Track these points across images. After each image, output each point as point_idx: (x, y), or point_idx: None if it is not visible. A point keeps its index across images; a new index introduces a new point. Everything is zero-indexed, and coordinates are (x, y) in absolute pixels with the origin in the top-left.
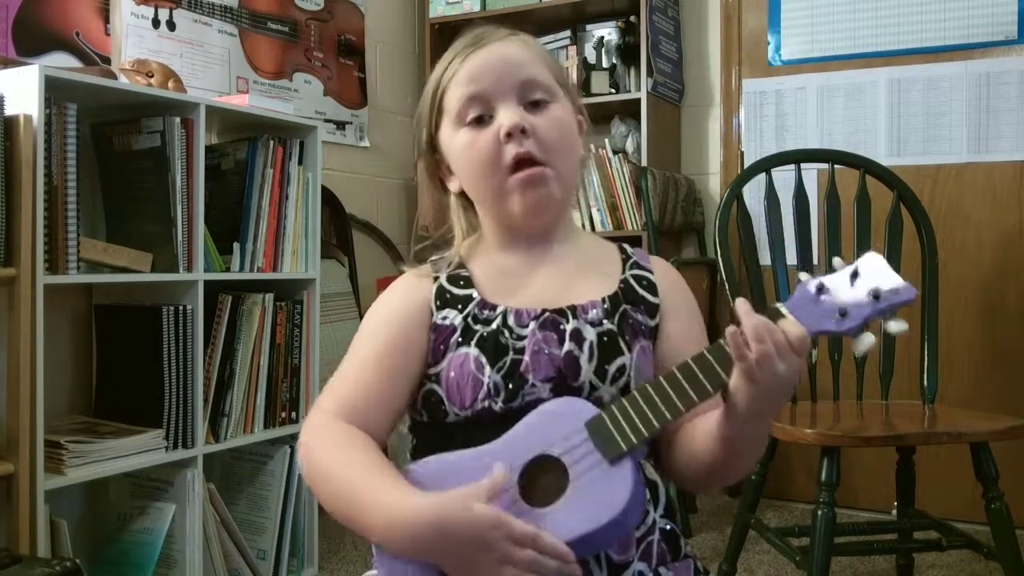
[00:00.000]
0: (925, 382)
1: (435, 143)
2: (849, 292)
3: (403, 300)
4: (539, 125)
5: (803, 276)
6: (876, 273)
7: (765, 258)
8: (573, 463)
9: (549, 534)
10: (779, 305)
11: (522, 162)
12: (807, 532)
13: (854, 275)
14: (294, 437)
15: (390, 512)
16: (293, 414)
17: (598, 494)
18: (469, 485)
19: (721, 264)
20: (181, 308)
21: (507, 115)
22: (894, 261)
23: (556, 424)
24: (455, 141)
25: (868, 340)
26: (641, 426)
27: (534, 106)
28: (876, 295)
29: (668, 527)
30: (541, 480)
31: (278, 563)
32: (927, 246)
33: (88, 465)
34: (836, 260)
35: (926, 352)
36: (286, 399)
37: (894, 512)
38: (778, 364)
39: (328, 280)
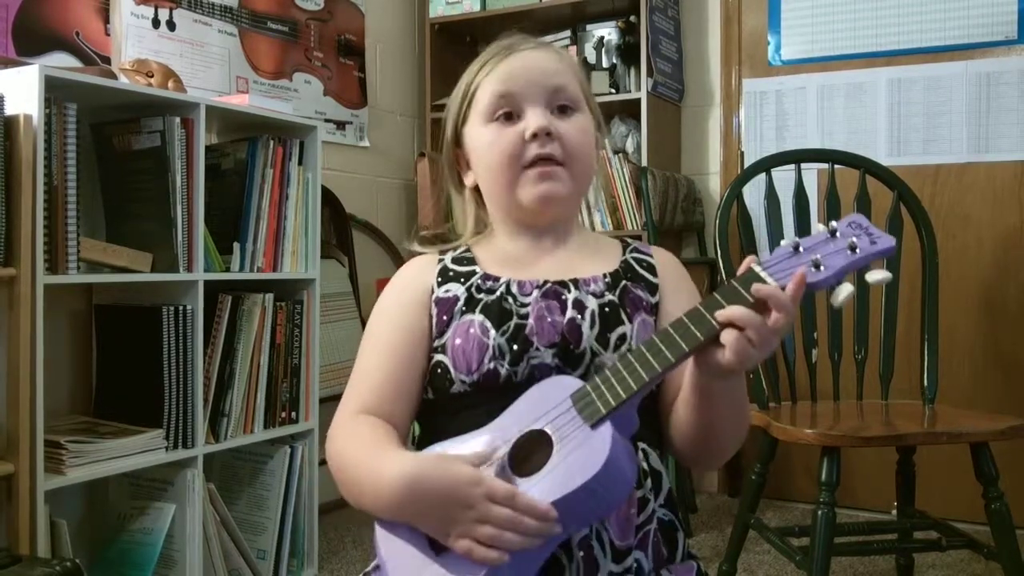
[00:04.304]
0: (925, 382)
1: (460, 137)
2: (826, 247)
3: (405, 291)
4: (564, 130)
5: (784, 241)
6: (855, 229)
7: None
8: (557, 432)
9: (528, 494)
10: (755, 265)
11: (541, 160)
12: (807, 532)
13: (832, 233)
14: (294, 437)
15: (378, 472)
16: (293, 414)
17: (577, 459)
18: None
19: (721, 264)
20: (181, 308)
21: (534, 117)
22: (894, 261)
23: (544, 401)
24: (480, 135)
25: (845, 290)
26: (619, 388)
27: (561, 111)
28: (852, 247)
29: (667, 518)
30: (530, 453)
31: (278, 563)
32: (927, 246)
33: (88, 465)
34: (818, 225)
35: (926, 352)
36: (286, 399)
37: (894, 512)
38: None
39: (328, 280)
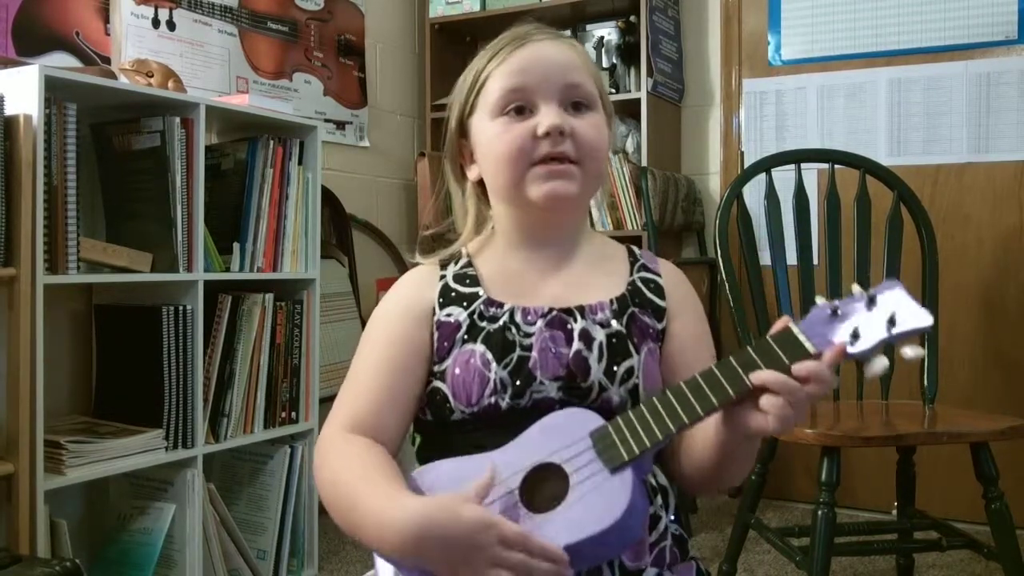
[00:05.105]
0: (925, 382)
1: (465, 128)
2: (864, 316)
3: (405, 301)
4: (578, 127)
5: (820, 300)
6: (894, 301)
7: (765, 258)
8: (575, 471)
9: (541, 537)
10: (792, 326)
11: (552, 158)
12: (807, 532)
13: (871, 301)
14: (294, 437)
15: (381, 515)
16: (293, 414)
17: (596, 503)
18: (459, 489)
19: (721, 264)
20: (181, 308)
21: (548, 115)
22: (894, 261)
23: (561, 433)
24: (488, 128)
25: (880, 364)
26: (644, 436)
27: (575, 108)
28: (892, 321)
29: (678, 532)
30: (543, 487)
31: (278, 563)
32: (927, 246)
33: (88, 465)
34: (855, 287)
35: (926, 352)
36: (286, 399)
37: (894, 512)
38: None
39: (328, 280)
